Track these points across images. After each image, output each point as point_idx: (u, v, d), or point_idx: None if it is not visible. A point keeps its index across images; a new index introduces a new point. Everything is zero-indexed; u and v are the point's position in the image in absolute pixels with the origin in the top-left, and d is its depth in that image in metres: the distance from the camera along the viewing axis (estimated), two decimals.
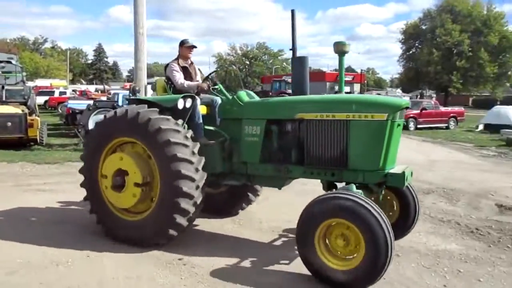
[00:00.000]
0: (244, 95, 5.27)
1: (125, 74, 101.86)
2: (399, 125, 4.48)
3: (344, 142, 4.49)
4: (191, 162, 4.62)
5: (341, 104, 4.58)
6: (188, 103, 5.04)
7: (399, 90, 77.52)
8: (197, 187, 4.66)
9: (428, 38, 48.51)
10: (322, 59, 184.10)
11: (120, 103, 17.43)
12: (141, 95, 7.23)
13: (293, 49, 5.48)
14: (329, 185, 4.85)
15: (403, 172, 4.39)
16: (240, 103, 5.13)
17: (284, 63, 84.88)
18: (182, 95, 5.08)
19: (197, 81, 5.77)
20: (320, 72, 57.96)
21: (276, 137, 4.94)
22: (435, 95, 58.72)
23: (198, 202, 4.76)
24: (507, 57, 46.77)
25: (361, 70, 53.16)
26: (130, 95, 8.32)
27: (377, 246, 3.70)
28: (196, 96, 5.25)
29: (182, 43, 5.83)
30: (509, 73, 48.08)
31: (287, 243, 5.40)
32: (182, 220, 4.68)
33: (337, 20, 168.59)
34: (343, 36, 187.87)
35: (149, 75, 14.94)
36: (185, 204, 4.60)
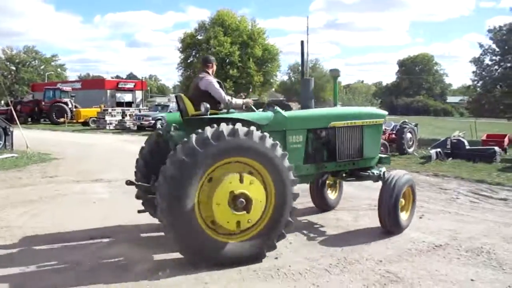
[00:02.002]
0: (281, 110, 5.82)
1: None
2: None
3: (360, 140, 6.34)
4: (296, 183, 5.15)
5: (358, 115, 6.40)
6: None
7: None
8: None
9: (204, 48, 52.12)
10: (103, 64, 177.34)
11: None
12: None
13: (302, 72, 7.15)
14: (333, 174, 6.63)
15: (389, 155, 7.26)
16: (285, 116, 5.70)
17: (59, 69, 78.77)
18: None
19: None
20: (100, 80, 56.00)
21: (314, 142, 6.06)
22: None
23: None
24: (269, 67, 53.87)
25: (142, 77, 53.57)
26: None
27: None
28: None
29: (213, 60, 6.25)
30: (272, 80, 55.60)
31: None
32: (285, 233, 5.16)
33: (116, 25, 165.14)
34: (124, 42, 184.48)
35: None
36: (290, 218, 5.10)
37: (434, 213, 7.43)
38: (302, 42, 7.17)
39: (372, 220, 6.84)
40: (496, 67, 20.77)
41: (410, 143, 15.86)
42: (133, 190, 8.91)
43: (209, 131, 4.71)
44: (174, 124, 5.68)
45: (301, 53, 7.10)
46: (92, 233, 6.09)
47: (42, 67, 76.46)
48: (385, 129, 16.00)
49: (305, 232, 6.26)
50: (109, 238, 5.89)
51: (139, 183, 5.76)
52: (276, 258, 5.18)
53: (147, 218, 6.83)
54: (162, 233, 4.91)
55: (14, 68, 74.26)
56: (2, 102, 22.66)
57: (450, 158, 13.94)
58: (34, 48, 76.86)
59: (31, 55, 76.28)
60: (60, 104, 32.58)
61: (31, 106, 34.27)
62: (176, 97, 6.14)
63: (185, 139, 4.70)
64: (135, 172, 6.20)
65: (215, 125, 4.78)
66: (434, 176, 11.32)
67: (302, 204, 7.79)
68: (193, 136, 4.68)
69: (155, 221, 6.69)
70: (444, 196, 8.99)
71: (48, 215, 7.10)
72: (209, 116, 5.27)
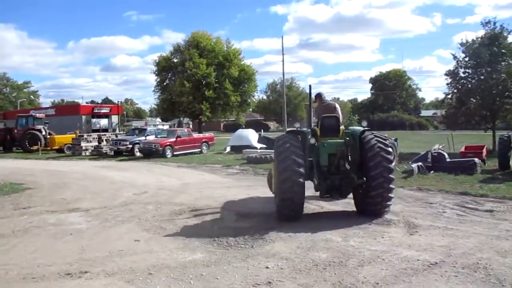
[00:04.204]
0: None
1: None
2: None
3: None
4: None
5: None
6: None
7: (159, 119, 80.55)
8: None
9: (180, 71, 51.96)
10: (78, 90, 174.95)
11: None
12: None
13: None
14: None
15: None
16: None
17: (32, 96, 77.11)
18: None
19: None
20: (74, 105, 55.06)
21: None
22: (191, 123, 63.23)
23: None
24: (246, 87, 53.96)
25: (118, 101, 52.84)
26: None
27: None
28: None
29: None
30: (248, 100, 55.61)
31: None
32: None
33: (91, 50, 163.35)
34: (98, 67, 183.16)
35: None
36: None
37: (424, 229, 7.28)
38: (310, 86, 9.40)
39: (363, 239, 6.64)
40: (469, 79, 21.20)
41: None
42: (112, 218, 8.58)
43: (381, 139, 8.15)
44: (313, 137, 8.22)
45: (309, 94, 9.42)
46: (69, 268, 5.67)
47: (14, 94, 74.86)
48: None
49: (295, 256, 5.99)
50: (87, 273, 5.49)
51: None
52: (270, 283, 4.91)
53: (127, 248, 6.48)
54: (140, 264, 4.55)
55: None
56: None
57: (432, 172, 13.97)
58: (6, 75, 75.41)
59: (2, 82, 74.69)
60: (33, 131, 31.61)
61: (2, 134, 33.15)
62: (324, 117, 8.47)
63: (379, 144, 7.89)
64: (302, 170, 7.68)
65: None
66: (418, 191, 11.27)
67: (291, 226, 7.56)
68: (382, 141, 8.04)
69: (136, 251, 6.34)
70: (431, 210, 8.88)
71: (21, 250, 6.64)
72: (365, 129, 8.39)
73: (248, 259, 5.92)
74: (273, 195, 9.33)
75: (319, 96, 9.40)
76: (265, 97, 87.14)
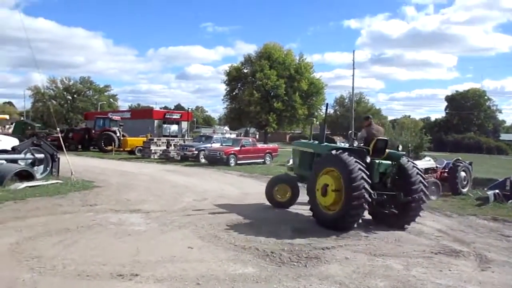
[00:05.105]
0: None
1: None
2: None
3: None
4: None
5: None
6: None
7: (226, 128, 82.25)
8: None
9: (249, 81, 52.78)
10: (153, 96, 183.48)
11: None
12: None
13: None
14: None
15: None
16: None
17: (111, 99, 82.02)
18: None
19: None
20: (148, 110, 57.63)
21: None
22: (257, 133, 63.80)
23: None
24: (314, 100, 53.60)
25: (189, 108, 54.57)
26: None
27: None
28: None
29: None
30: (316, 113, 55.11)
31: None
32: None
33: (168, 58, 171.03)
34: (174, 75, 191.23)
35: None
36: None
37: (498, 265, 6.59)
38: (327, 105, 12.40)
39: (426, 270, 6.13)
40: None
41: (465, 182, 14.78)
42: (170, 223, 8.69)
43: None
44: (370, 157, 8.80)
45: (325, 112, 11.82)
46: (121, 269, 5.75)
47: (96, 96, 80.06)
48: (437, 167, 15.08)
49: (350, 281, 5.64)
50: (137, 276, 5.53)
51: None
52: None
53: (179, 255, 6.47)
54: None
55: (70, 97, 78.26)
56: (58, 129, 23.81)
57: (510, 201, 12.81)
58: (89, 79, 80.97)
59: (86, 85, 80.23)
60: (109, 132, 33.44)
61: (82, 133, 35.54)
62: (379, 139, 9.27)
63: (417, 169, 9.03)
64: (370, 190, 8.28)
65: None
66: (493, 221, 10.34)
67: (349, 247, 7.21)
68: (417, 166, 9.25)
69: (187, 258, 6.31)
70: (507, 244, 8.07)
71: (81, 246, 6.88)
72: (403, 153, 9.46)
73: (300, 278, 5.66)
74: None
75: (368, 118, 10.34)
76: (332, 111, 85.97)
